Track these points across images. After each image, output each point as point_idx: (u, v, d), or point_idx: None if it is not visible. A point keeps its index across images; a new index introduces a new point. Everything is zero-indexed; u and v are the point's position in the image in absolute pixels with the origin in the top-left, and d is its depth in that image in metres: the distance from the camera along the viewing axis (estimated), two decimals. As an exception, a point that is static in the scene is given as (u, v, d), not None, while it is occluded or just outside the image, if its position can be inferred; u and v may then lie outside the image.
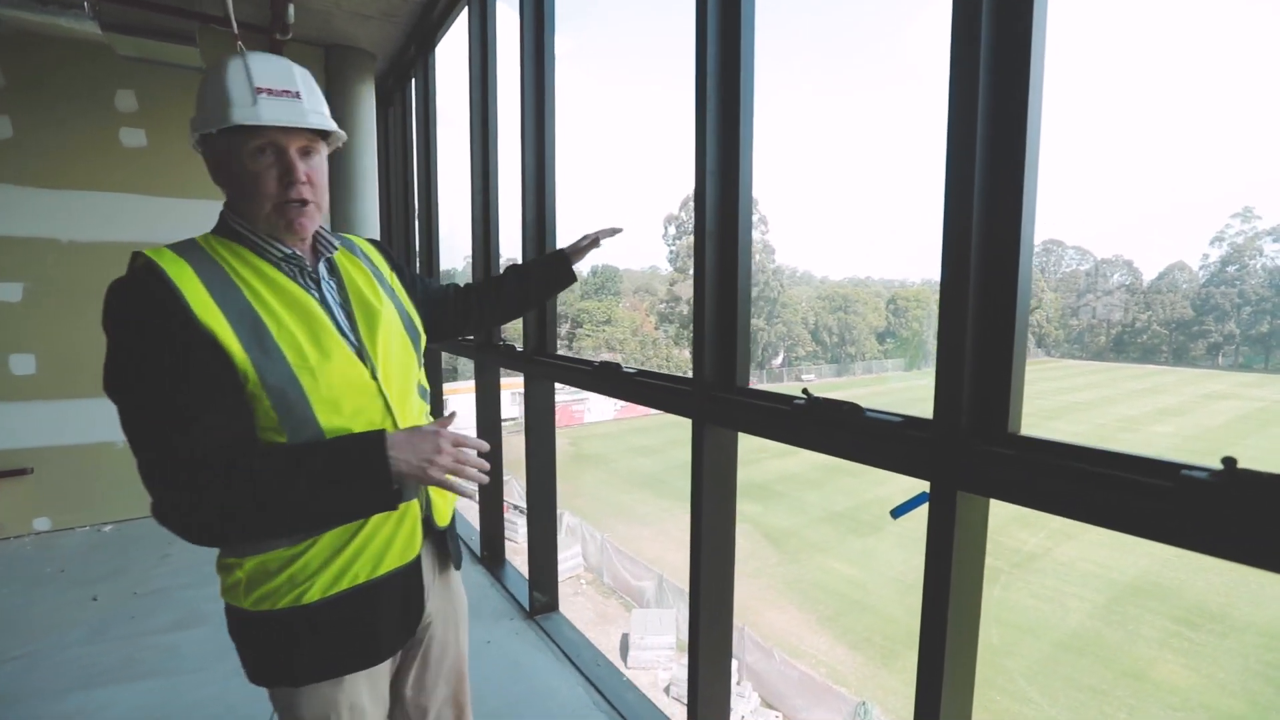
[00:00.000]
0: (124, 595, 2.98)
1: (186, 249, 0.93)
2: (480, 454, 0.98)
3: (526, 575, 2.96)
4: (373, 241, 1.22)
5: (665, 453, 23.40)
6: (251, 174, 0.93)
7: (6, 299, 3.60)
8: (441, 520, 1.13)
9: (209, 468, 0.83)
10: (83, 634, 2.65)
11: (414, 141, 4.52)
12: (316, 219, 1.00)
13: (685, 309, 46.12)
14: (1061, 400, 31.95)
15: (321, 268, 1.04)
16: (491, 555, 3.47)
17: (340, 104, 4.43)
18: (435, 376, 4.52)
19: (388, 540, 1.01)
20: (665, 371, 1.97)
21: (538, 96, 2.67)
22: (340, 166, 4.49)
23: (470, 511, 7.12)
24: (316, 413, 0.92)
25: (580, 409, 30.42)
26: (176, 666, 2.40)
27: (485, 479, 0.96)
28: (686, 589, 12.73)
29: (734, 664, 10.69)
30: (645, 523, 17.21)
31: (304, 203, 0.96)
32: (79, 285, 3.66)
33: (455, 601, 1.25)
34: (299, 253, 0.99)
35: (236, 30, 2.77)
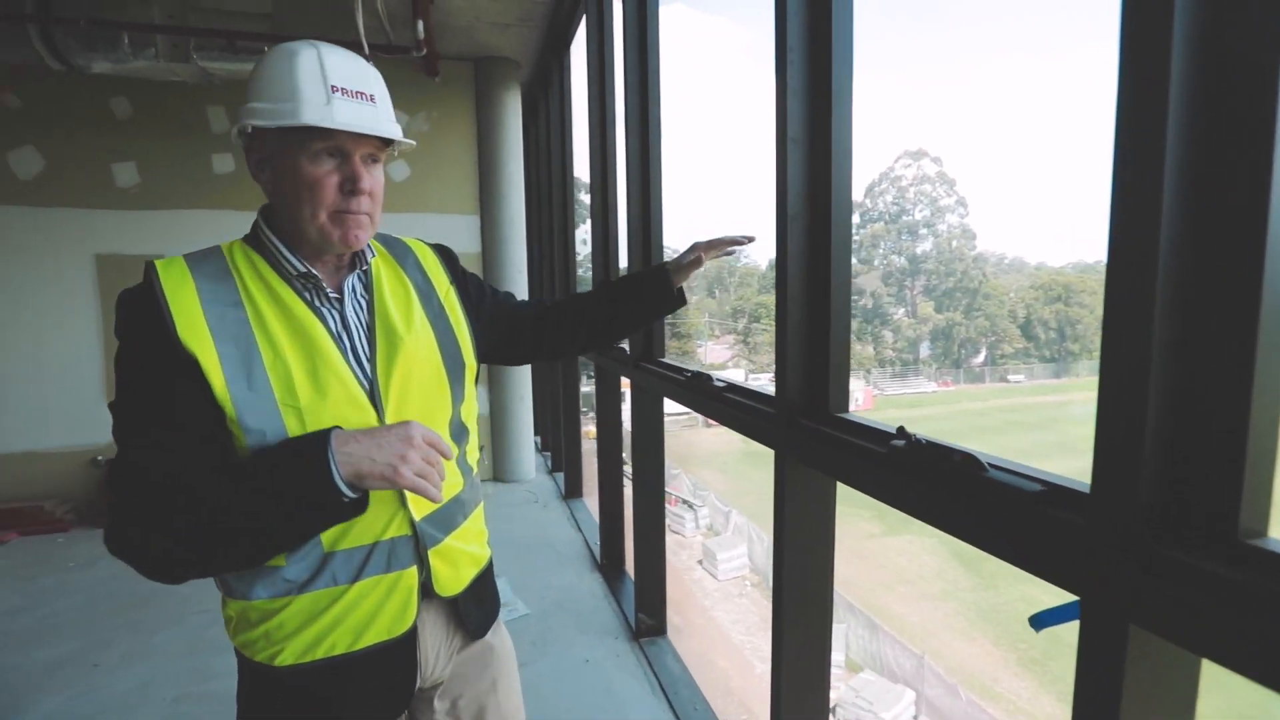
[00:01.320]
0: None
1: (202, 259, 0.88)
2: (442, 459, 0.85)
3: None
4: (436, 248, 1.10)
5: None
6: (309, 178, 0.85)
7: None
8: (444, 590, 0.97)
9: (156, 484, 0.76)
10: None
11: (552, 143, 4.58)
12: (371, 233, 0.92)
13: (869, 302, 42.98)
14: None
15: (354, 282, 0.94)
16: (610, 564, 3.36)
17: (488, 112, 4.63)
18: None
19: (373, 611, 0.90)
20: (762, 387, 1.64)
21: (641, 87, 2.46)
22: (488, 173, 4.71)
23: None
24: None
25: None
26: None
27: (438, 494, 0.82)
28: (856, 604, 11.88)
29: (911, 695, 9.64)
30: (815, 529, 16.30)
31: (360, 213, 0.88)
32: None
33: (495, 669, 1.09)
34: (315, 271, 0.90)
35: (368, 53, 2.95)
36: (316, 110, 0.83)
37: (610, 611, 2.94)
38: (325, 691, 0.90)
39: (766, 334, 38.71)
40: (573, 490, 4.64)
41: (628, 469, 3.09)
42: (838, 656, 10.64)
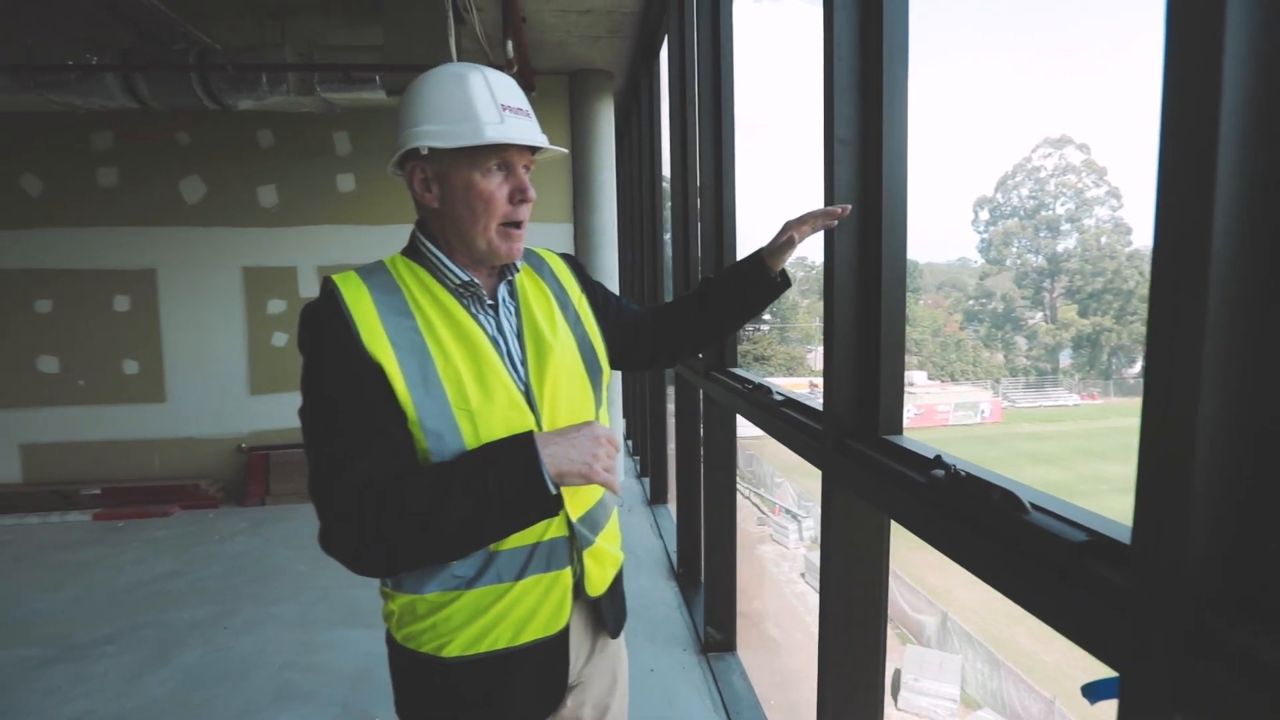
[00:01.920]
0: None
1: (371, 272, 0.94)
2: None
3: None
4: (564, 257, 1.15)
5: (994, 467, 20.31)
6: (484, 192, 0.90)
7: (274, 312, 4.81)
8: (594, 589, 1.02)
9: (370, 490, 0.82)
10: (357, 579, 3.30)
11: (643, 149, 4.62)
12: (523, 241, 0.99)
13: (1000, 306, 39.43)
14: None
15: (503, 291, 0.99)
16: (686, 573, 3.32)
17: (581, 123, 4.76)
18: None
19: (533, 609, 0.95)
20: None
21: (715, 88, 2.42)
22: (581, 181, 4.84)
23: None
24: None
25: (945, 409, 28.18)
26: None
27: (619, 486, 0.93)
28: (976, 635, 10.91)
29: (1037, 742, 8.71)
30: (930, 548, 15.18)
31: (520, 224, 0.95)
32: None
33: (616, 668, 1.14)
34: (476, 280, 0.95)
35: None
36: (496, 128, 0.88)
37: (681, 622, 2.91)
38: (487, 684, 0.95)
39: (881, 339, 36.66)
40: (658, 496, 4.65)
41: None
42: (951, 690, 9.86)
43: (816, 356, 39.00)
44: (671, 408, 3.59)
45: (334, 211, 4.75)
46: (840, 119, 1.24)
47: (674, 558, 3.54)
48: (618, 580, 1.09)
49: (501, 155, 0.91)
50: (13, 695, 2.42)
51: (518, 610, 0.94)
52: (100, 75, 3.41)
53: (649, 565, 3.54)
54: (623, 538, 1.13)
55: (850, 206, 1.16)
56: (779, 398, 1.72)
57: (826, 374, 1.31)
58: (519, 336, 0.97)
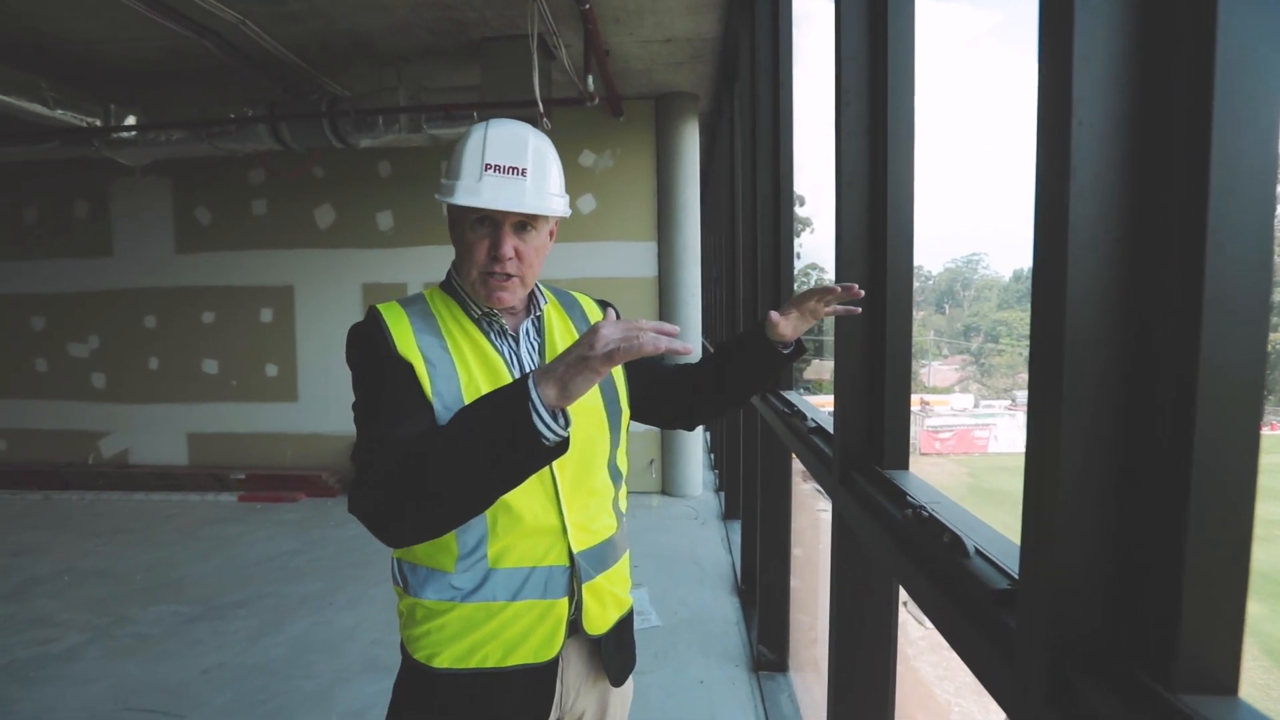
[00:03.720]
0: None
1: (411, 302, 1.04)
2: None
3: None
4: (600, 303, 1.18)
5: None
6: (467, 243, 0.98)
7: None
8: (592, 627, 1.02)
9: (395, 449, 0.86)
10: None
11: (724, 170, 4.70)
12: (519, 292, 1.01)
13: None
14: None
15: (528, 326, 1.06)
16: (749, 590, 3.34)
17: (666, 145, 4.92)
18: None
19: (524, 633, 0.97)
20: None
21: (774, 109, 2.47)
22: (666, 201, 4.99)
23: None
24: None
25: (984, 435, 26.37)
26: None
27: (673, 332, 0.78)
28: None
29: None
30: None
31: (507, 276, 0.98)
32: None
33: (612, 713, 1.13)
34: (496, 311, 1.02)
35: (542, 110, 3.38)
36: (467, 191, 0.94)
37: (737, 638, 2.94)
38: (472, 701, 0.97)
39: (1004, 355, 33.93)
40: (732, 511, 4.67)
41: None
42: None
43: (930, 372, 36.67)
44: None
45: (439, 233, 5.22)
46: (847, 161, 1.28)
47: (738, 573, 3.57)
48: (624, 625, 1.09)
49: (482, 211, 0.95)
50: (169, 644, 2.92)
51: (509, 632, 0.96)
52: (254, 125, 4.03)
53: (714, 579, 3.60)
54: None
55: (855, 287, 1.04)
56: (811, 424, 1.75)
57: (837, 407, 1.35)
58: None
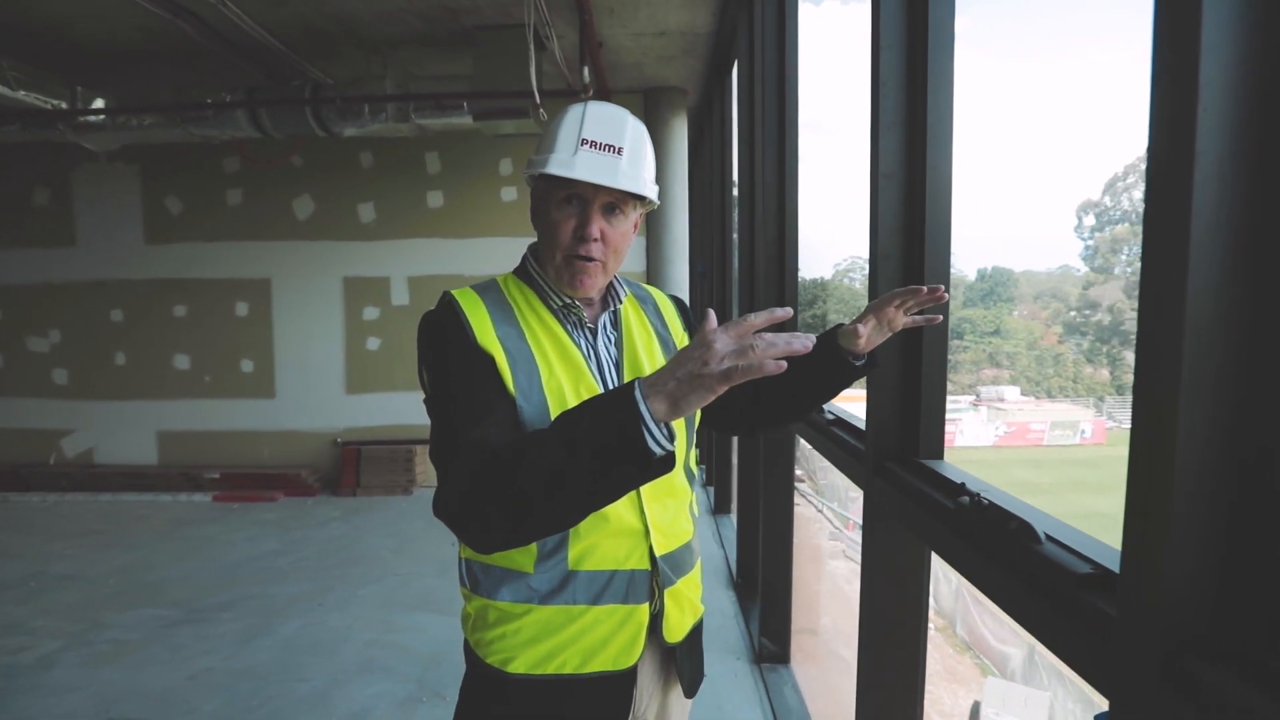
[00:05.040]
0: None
1: (485, 289, 0.99)
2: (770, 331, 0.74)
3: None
4: (673, 299, 1.16)
5: (1057, 494, 18.95)
6: (553, 222, 0.94)
7: (368, 318, 5.17)
8: (671, 634, 0.99)
9: (479, 450, 0.81)
10: (435, 569, 3.57)
11: (713, 164, 4.71)
12: (601, 279, 0.97)
13: (1105, 318, 36.44)
14: None
15: (605, 318, 1.02)
16: (745, 583, 3.36)
17: (654, 139, 4.88)
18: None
19: (604, 638, 0.94)
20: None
21: (779, 102, 2.48)
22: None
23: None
24: None
25: (951, 430, 26.98)
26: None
27: (801, 344, 0.69)
28: (1067, 671, 10.16)
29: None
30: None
31: (590, 259, 0.94)
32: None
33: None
34: (578, 303, 0.98)
35: (539, 101, 3.34)
36: (560, 163, 0.90)
37: (737, 631, 2.96)
38: (546, 708, 0.94)
39: (969, 352, 34.81)
40: (722, 506, 4.69)
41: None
42: (1037, 729, 9.21)
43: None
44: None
45: (424, 225, 5.13)
46: (885, 154, 1.29)
47: (734, 567, 3.59)
48: (697, 633, 1.06)
49: (573, 189, 0.91)
50: (150, 649, 2.80)
51: (589, 637, 0.92)
52: (232, 110, 3.88)
53: (708, 573, 3.61)
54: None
55: (943, 289, 0.98)
56: (829, 417, 1.76)
57: (870, 397, 1.36)
58: (616, 364, 0.99)
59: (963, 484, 1.00)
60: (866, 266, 1.30)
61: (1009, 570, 0.85)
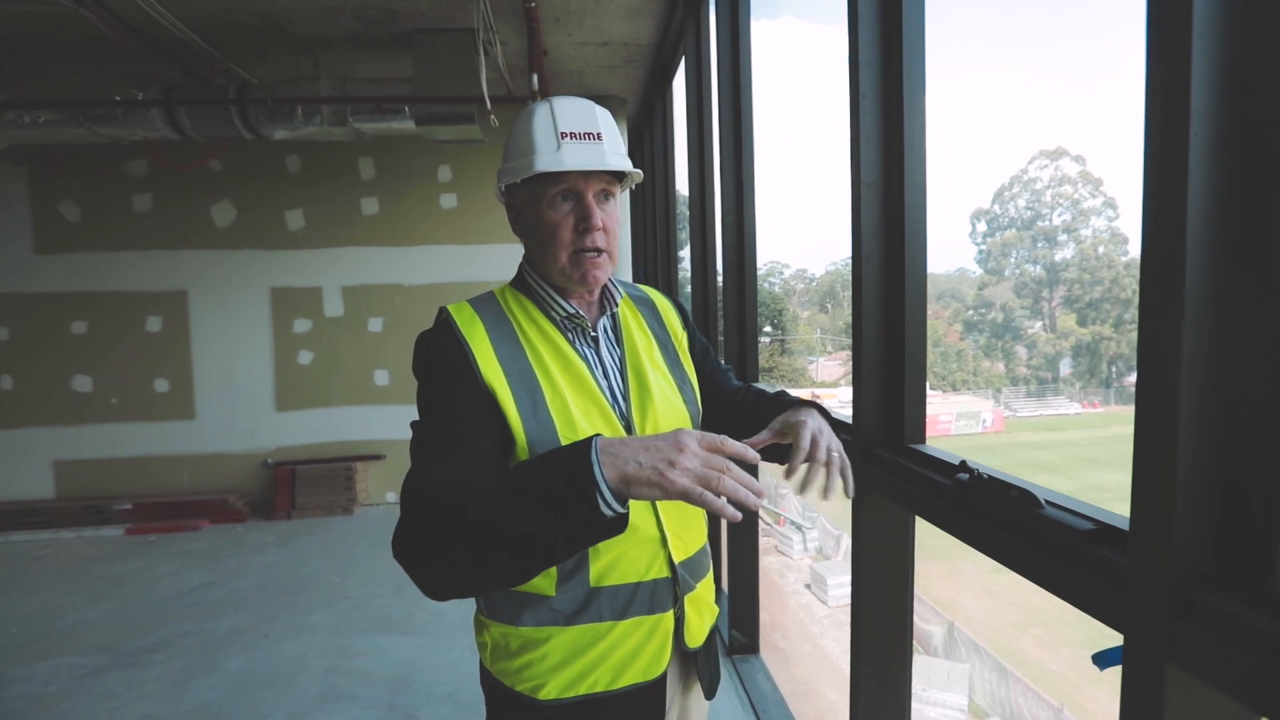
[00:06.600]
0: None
1: (482, 304, 0.96)
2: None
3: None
4: (673, 301, 1.15)
5: (966, 481, 20.35)
6: (549, 222, 0.92)
7: (373, 330, 4.94)
8: (692, 640, 0.99)
9: (444, 488, 0.76)
10: (390, 589, 3.43)
11: (655, 172, 4.80)
12: (609, 269, 0.95)
13: (999, 316, 39.69)
14: None
15: (604, 323, 1.00)
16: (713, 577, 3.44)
17: (597, 148, 4.95)
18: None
19: (634, 651, 0.92)
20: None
21: (735, 111, 2.59)
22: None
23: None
24: None
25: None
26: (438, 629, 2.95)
27: (756, 501, 0.69)
28: (983, 645, 10.95)
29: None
30: (937, 558, 15.23)
31: (598, 251, 0.92)
32: (414, 318, 4.85)
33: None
34: (581, 312, 0.96)
35: (490, 107, 3.31)
36: (548, 157, 0.88)
37: (704, 627, 3.02)
38: None
39: (882, 350, 36.80)
40: (673, 506, 4.77)
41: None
42: (959, 699, 9.88)
43: (818, 368, 39.12)
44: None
45: (358, 233, 4.92)
46: (865, 164, 1.39)
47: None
48: (714, 635, 1.06)
49: (565, 184, 0.90)
50: (75, 700, 2.54)
51: (619, 652, 0.91)
52: (145, 110, 3.59)
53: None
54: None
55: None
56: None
57: (855, 388, 1.45)
58: (621, 371, 0.97)
59: (963, 461, 1.10)
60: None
61: (1016, 533, 0.95)
